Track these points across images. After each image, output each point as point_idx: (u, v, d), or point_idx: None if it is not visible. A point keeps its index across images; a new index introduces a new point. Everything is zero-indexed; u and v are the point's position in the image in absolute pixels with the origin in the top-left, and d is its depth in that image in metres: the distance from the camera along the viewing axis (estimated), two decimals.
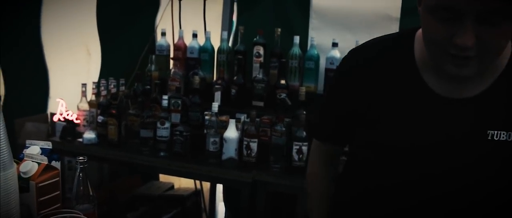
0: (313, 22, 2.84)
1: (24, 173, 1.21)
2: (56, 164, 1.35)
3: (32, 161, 1.24)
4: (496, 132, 1.02)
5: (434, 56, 1.01)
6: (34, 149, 1.32)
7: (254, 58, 2.73)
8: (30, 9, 3.59)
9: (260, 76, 2.64)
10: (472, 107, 1.05)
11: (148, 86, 2.76)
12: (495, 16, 0.89)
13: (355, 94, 1.17)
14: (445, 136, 1.07)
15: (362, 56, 1.20)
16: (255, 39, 2.72)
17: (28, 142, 1.37)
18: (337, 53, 2.57)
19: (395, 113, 1.12)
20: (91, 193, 1.32)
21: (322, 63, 2.64)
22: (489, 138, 1.02)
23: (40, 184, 1.22)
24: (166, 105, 2.59)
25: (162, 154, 2.61)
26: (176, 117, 2.63)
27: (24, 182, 1.20)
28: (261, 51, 2.71)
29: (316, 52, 2.63)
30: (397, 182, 1.13)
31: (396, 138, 1.12)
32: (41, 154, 1.30)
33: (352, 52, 1.24)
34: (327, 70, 2.60)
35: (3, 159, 1.04)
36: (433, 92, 1.08)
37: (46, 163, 1.25)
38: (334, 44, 2.58)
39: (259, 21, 2.90)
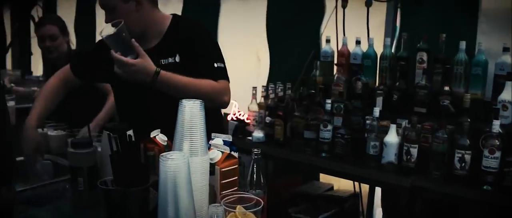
0: (481, 26, 2.74)
1: (212, 159, 1.45)
2: (234, 154, 1.57)
3: (217, 150, 1.47)
4: (164, 60, 2.03)
5: None
6: (218, 140, 1.57)
7: (417, 64, 2.73)
8: (210, 20, 4.05)
9: (423, 82, 2.64)
10: (153, 51, 1.96)
11: (313, 91, 2.93)
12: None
13: None
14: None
15: None
16: (418, 45, 2.73)
17: (213, 134, 1.62)
18: (508, 59, 2.45)
19: None
20: (262, 181, 1.52)
21: (491, 69, 2.54)
22: (161, 63, 2.00)
23: (223, 169, 1.45)
24: (329, 109, 2.73)
25: (323, 154, 2.75)
26: (338, 120, 2.75)
27: (211, 166, 1.43)
28: (425, 57, 2.70)
29: (484, 58, 2.55)
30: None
31: None
32: (224, 145, 1.53)
33: None
34: (496, 76, 2.49)
35: (202, 146, 1.30)
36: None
37: (228, 152, 1.48)
38: (505, 49, 2.47)
39: (423, 27, 2.89)
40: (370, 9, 3.07)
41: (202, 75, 1.97)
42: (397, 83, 2.74)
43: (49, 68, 3.16)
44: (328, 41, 3.09)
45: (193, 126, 1.28)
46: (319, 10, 3.38)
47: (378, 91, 2.74)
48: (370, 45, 2.91)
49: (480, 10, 2.73)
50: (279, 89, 3.06)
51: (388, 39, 2.90)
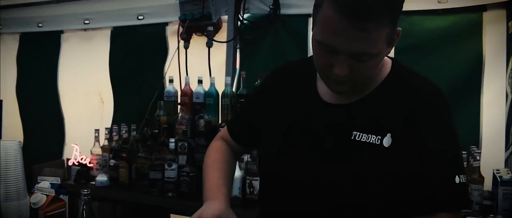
0: None
1: (34, 203, 1.35)
2: (64, 197, 1.49)
3: (41, 194, 1.38)
4: (358, 133, 1.17)
5: (321, 76, 1.23)
6: (44, 183, 1.47)
7: None
8: (49, 60, 3.85)
9: None
10: (344, 111, 1.23)
11: (156, 130, 2.91)
12: (363, 56, 1.09)
13: (265, 106, 1.39)
14: (321, 131, 1.24)
15: (280, 72, 1.43)
16: (256, 83, 2.88)
17: (39, 177, 1.52)
18: None
19: (286, 118, 1.32)
20: None
21: None
22: (352, 137, 1.18)
23: (48, 214, 1.36)
24: (173, 147, 2.73)
25: (170, 194, 2.73)
26: (183, 159, 2.76)
27: (34, 212, 1.34)
28: None
29: None
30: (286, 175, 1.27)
31: (281, 137, 1.31)
32: (51, 188, 1.44)
33: (274, 69, 1.46)
34: None
35: (18, 189, 1.20)
36: (320, 98, 1.28)
37: (53, 195, 1.39)
38: None
39: (260, 66, 3.06)
40: (211, 49, 3.17)
41: (427, 190, 1.13)
42: None
43: None
44: (171, 81, 3.11)
45: (8, 169, 1.19)
46: (163, 51, 3.40)
47: (221, 128, 2.81)
48: (212, 84, 3.00)
49: (309, 49, 2.97)
50: (124, 131, 2.99)
51: (229, 78, 3.01)
